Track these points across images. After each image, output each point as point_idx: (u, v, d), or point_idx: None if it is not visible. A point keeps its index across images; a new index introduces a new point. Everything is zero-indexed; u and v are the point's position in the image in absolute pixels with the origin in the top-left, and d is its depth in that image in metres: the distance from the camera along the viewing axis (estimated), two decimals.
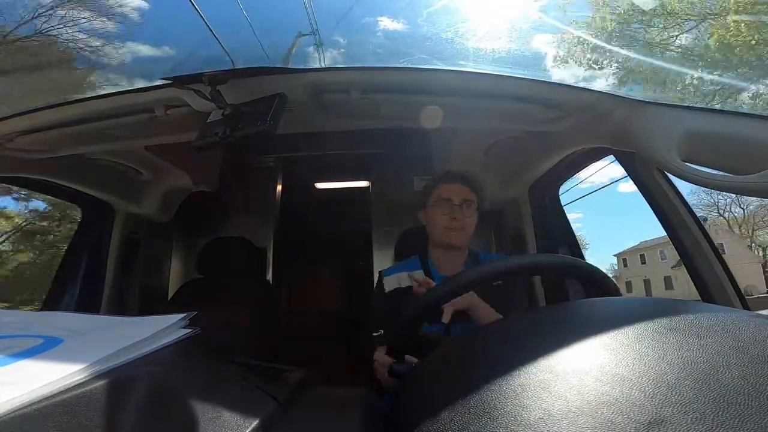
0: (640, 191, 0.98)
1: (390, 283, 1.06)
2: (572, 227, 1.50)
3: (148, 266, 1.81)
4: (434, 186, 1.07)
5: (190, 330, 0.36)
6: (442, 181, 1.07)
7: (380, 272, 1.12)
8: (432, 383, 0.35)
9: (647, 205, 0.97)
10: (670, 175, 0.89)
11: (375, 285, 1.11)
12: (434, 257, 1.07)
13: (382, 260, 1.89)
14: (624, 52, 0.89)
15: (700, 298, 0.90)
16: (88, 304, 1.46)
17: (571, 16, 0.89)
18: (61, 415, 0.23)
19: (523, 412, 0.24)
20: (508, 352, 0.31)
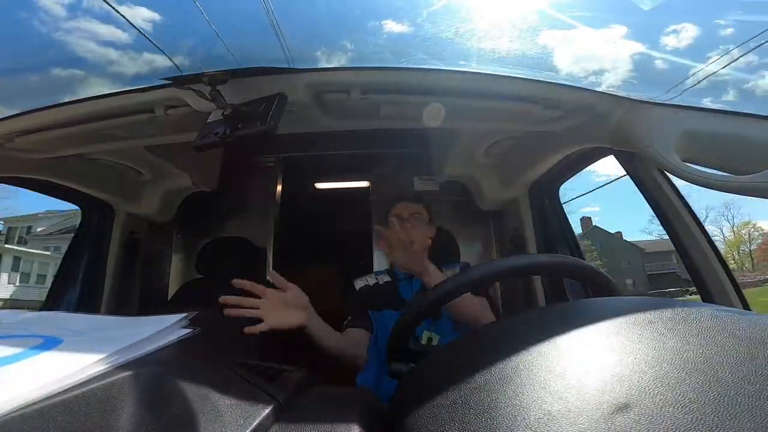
0: (640, 191, 0.98)
1: (358, 283, 1.20)
2: (572, 227, 1.50)
3: (148, 266, 1.81)
4: (388, 210, 1.23)
5: (190, 330, 0.36)
6: (392, 204, 1.22)
7: (350, 282, 1.25)
8: (431, 383, 0.35)
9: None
10: (670, 175, 0.89)
11: (345, 292, 1.23)
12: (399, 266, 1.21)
13: (382, 260, 1.89)
14: (628, 48, 0.88)
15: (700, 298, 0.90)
16: (88, 304, 1.46)
17: (572, 15, 0.89)
18: (61, 415, 0.23)
19: (523, 412, 0.24)
20: (508, 352, 0.31)
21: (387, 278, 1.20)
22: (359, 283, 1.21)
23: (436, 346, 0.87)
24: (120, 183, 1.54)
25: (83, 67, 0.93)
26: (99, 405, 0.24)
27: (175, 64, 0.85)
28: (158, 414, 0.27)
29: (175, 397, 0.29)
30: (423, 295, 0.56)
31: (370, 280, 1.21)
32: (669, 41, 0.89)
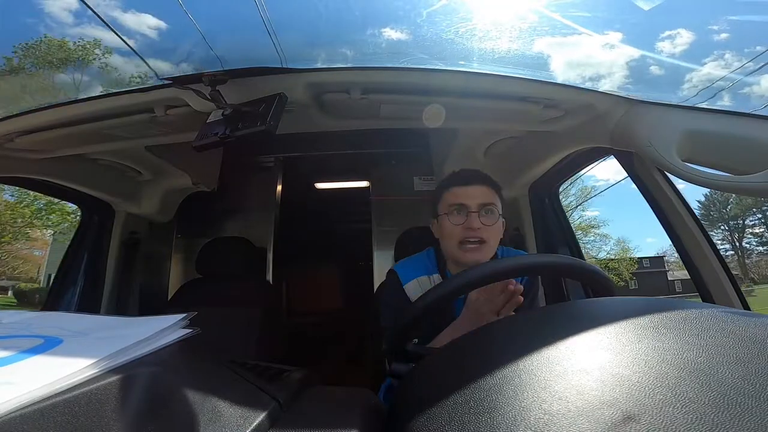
0: (640, 191, 0.98)
1: (412, 290, 0.88)
2: (571, 227, 1.50)
3: (148, 266, 1.81)
4: (445, 189, 0.89)
5: (190, 330, 0.36)
6: (454, 183, 0.88)
7: (393, 270, 0.94)
8: (431, 383, 0.35)
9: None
10: (670, 175, 0.89)
11: (388, 285, 0.94)
12: (452, 269, 0.91)
13: (382, 260, 1.89)
14: (629, 49, 0.89)
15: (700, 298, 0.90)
16: (88, 304, 1.47)
17: (571, 16, 0.89)
18: (61, 415, 0.23)
19: (523, 412, 0.24)
20: (508, 352, 0.31)
21: (441, 279, 0.89)
22: (411, 290, 0.87)
23: (432, 348, 0.86)
24: (120, 183, 1.54)
25: (87, 72, 0.94)
26: (99, 405, 0.24)
27: (176, 66, 0.85)
28: (158, 414, 0.27)
29: (174, 397, 0.29)
30: (421, 297, 0.56)
31: (422, 279, 0.89)
32: (664, 46, 0.89)
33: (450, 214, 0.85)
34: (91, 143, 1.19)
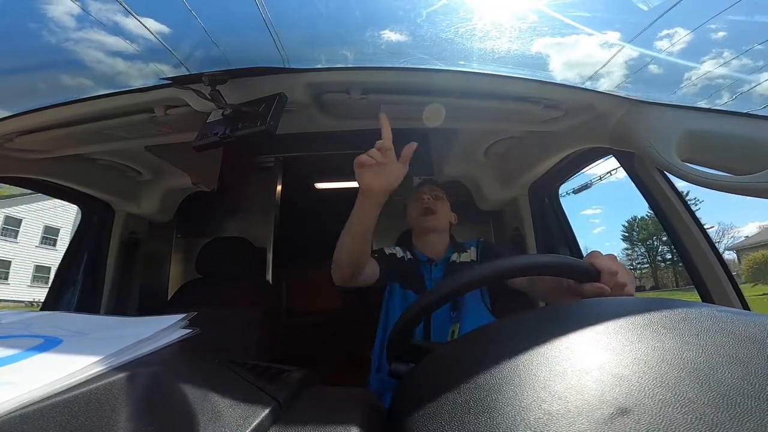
0: (640, 191, 0.98)
1: (390, 251, 1.18)
2: (571, 227, 1.50)
3: (148, 266, 1.81)
4: (414, 191, 1.30)
5: (190, 330, 0.36)
6: (419, 186, 1.31)
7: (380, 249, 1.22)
8: (431, 383, 0.35)
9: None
10: (670, 175, 0.89)
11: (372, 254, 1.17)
12: (418, 244, 1.24)
13: None
14: (630, 48, 0.89)
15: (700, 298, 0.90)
16: (88, 304, 1.47)
17: (571, 16, 0.89)
18: (61, 415, 0.23)
19: (523, 412, 0.24)
20: (508, 352, 0.31)
21: (410, 256, 1.18)
22: (390, 251, 1.17)
23: (435, 342, 0.87)
24: (120, 183, 1.54)
25: (90, 76, 0.94)
26: (99, 405, 0.25)
27: (181, 63, 0.85)
28: (158, 414, 0.27)
29: (174, 397, 0.29)
30: (422, 296, 0.56)
31: (398, 252, 1.18)
32: (663, 45, 0.89)
33: (415, 201, 1.25)
34: (91, 143, 1.19)
